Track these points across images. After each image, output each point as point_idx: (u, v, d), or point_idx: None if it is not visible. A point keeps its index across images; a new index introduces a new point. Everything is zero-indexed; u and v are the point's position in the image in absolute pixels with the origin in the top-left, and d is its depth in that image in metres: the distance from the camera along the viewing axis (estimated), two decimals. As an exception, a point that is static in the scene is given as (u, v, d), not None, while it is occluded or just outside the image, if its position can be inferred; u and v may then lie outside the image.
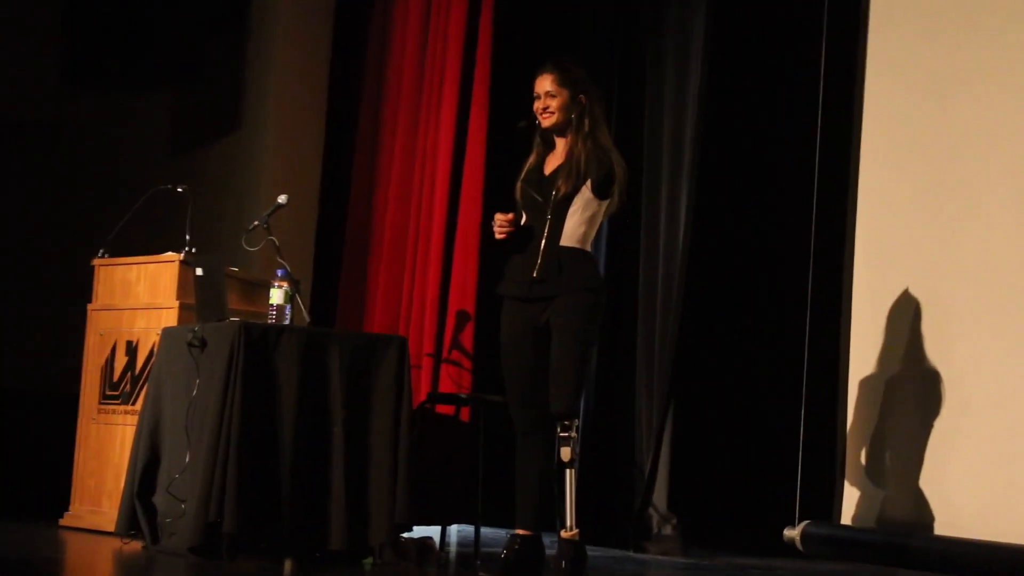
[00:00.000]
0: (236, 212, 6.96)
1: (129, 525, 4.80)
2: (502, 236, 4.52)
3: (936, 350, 5.13)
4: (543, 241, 4.47)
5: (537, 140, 4.63)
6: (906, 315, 5.21)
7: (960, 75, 5.22)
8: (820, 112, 5.54)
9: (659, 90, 5.97)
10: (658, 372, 5.73)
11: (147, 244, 5.48)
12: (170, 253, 5.29)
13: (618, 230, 6.02)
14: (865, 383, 5.37)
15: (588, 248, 4.52)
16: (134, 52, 7.07)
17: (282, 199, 5.09)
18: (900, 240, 5.35)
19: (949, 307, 5.13)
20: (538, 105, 4.57)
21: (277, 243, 4.99)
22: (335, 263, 6.80)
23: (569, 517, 4.35)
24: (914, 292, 5.23)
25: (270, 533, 4.52)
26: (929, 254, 5.23)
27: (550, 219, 4.48)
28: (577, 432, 4.40)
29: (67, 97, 7.56)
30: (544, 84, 4.56)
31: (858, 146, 5.49)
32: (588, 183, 4.46)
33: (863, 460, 5.32)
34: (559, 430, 4.38)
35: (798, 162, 5.75)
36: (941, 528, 5.00)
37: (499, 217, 4.53)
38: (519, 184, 4.60)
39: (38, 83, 7.55)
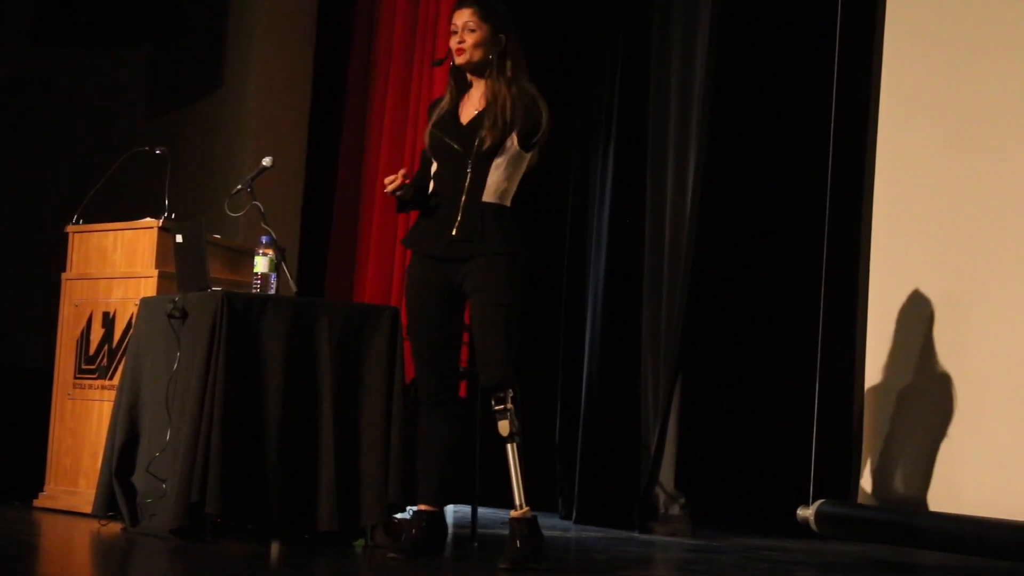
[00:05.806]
0: (218, 175, 6.95)
1: (107, 506, 4.79)
2: (394, 188, 4.33)
3: (956, 329, 5.10)
4: (463, 196, 4.34)
5: (451, 82, 4.45)
6: (926, 286, 5.20)
7: (986, 40, 5.17)
8: (835, 76, 5.50)
9: (665, 54, 5.93)
10: (664, 344, 5.72)
11: (124, 209, 5.44)
12: (148, 219, 5.25)
13: (623, 195, 6.01)
14: (884, 354, 5.35)
15: (509, 203, 4.41)
16: (109, 5, 7.04)
17: (267, 161, 5.06)
18: (919, 201, 5.31)
19: (969, 281, 5.10)
20: (453, 41, 4.38)
21: (262, 208, 4.95)
22: (323, 229, 6.80)
23: (517, 495, 4.24)
24: (935, 262, 5.22)
25: (256, 514, 4.52)
26: (951, 222, 5.20)
27: (471, 172, 4.34)
28: (515, 403, 4.25)
29: (38, 53, 7.52)
30: (463, 16, 4.36)
31: (876, 112, 5.44)
32: (514, 135, 4.34)
33: (881, 435, 5.32)
34: (493, 403, 4.26)
35: (812, 129, 5.72)
36: (963, 508, 4.98)
37: (388, 179, 4.37)
38: (430, 130, 4.44)
39: (7, 38, 7.51)
